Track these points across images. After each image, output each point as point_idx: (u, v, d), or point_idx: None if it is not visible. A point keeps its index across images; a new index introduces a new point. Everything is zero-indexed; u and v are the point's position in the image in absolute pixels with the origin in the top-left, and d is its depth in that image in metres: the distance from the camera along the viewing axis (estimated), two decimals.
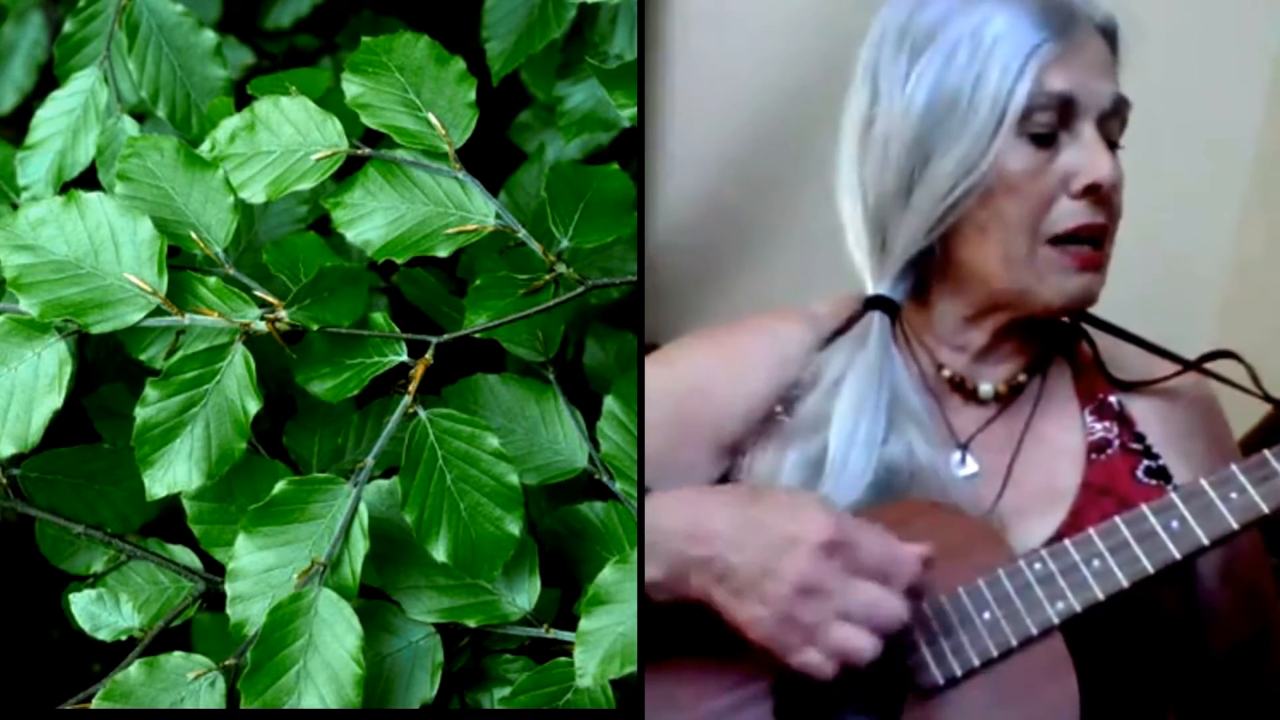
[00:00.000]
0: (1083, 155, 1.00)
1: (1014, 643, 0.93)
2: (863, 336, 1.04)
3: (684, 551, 0.93)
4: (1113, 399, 1.07)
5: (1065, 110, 1.00)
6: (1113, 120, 1.01)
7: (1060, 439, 1.05)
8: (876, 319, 1.04)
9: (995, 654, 0.94)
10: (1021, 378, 1.06)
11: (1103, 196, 1.00)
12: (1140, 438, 1.05)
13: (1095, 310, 1.07)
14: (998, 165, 1.00)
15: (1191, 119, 1.46)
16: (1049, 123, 1.00)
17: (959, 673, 0.94)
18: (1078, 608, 0.93)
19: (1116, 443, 1.05)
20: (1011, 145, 1.00)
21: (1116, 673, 0.98)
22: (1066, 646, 0.93)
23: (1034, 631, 0.93)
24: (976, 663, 0.94)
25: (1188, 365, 1.07)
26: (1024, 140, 1.00)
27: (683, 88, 1.56)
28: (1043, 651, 0.93)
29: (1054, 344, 1.08)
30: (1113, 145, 1.02)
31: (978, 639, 0.94)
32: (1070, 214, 1.00)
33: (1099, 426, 1.06)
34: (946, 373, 1.06)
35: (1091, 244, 1.01)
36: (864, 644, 0.90)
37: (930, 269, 1.05)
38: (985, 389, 1.06)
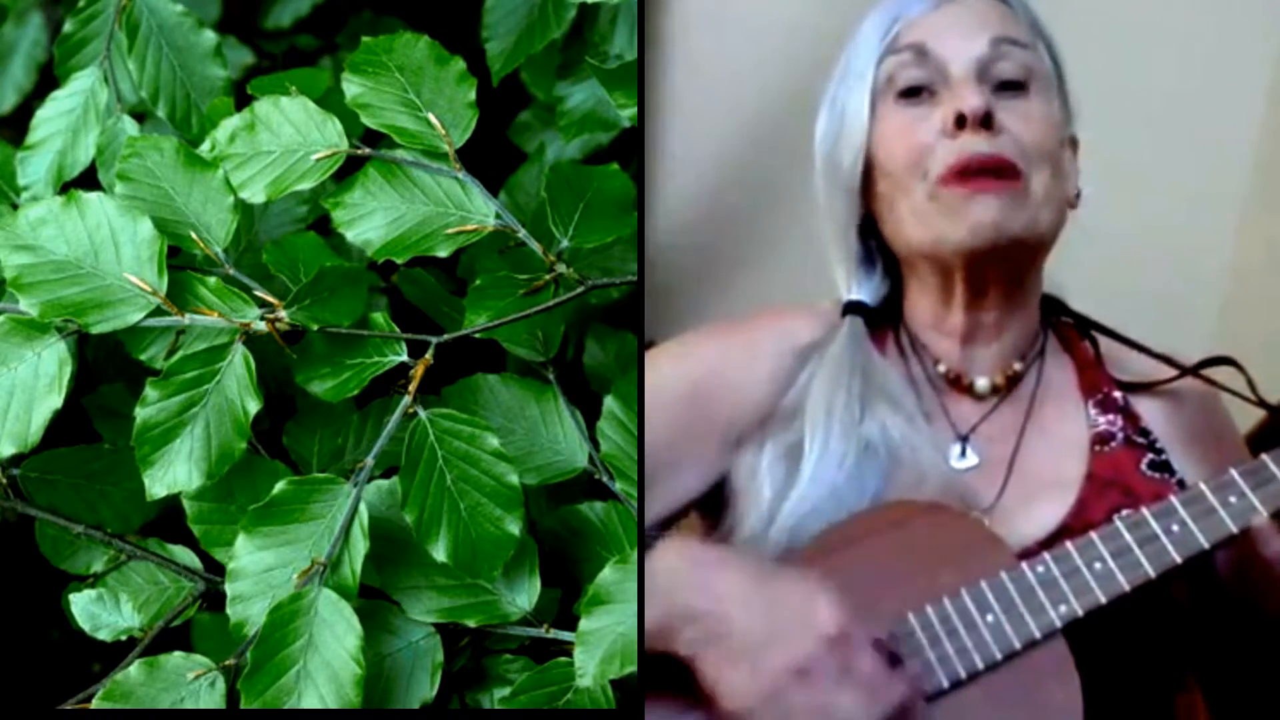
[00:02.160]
0: (952, 95, 1.02)
1: (1017, 645, 0.93)
2: (835, 336, 1.06)
3: (686, 602, 0.92)
4: (1117, 394, 1.07)
5: (928, 63, 1.03)
6: (999, 63, 1.03)
7: (1063, 430, 1.05)
8: (846, 321, 1.07)
9: (999, 656, 0.93)
10: (1017, 366, 1.07)
11: (984, 129, 1.01)
12: (1145, 432, 1.05)
13: (1096, 311, 1.07)
14: (880, 132, 1.04)
15: (1192, 120, 1.46)
16: (917, 80, 1.03)
17: (963, 675, 0.93)
18: (1080, 611, 0.93)
19: (1121, 435, 1.05)
20: (890, 112, 1.04)
21: (1120, 675, 0.98)
22: (1069, 648, 0.93)
23: (1037, 634, 0.93)
24: (980, 665, 0.93)
25: (1186, 371, 1.07)
26: (899, 102, 1.04)
27: (683, 88, 1.56)
28: (1046, 654, 0.93)
29: (1050, 334, 1.09)
30: (1010, 86, 1.03)
31: (981, 641, 0.94)
32: (951, 149, 1.02)
33: (1103, 419, 1.06)
34: (942, 368, 1.07)
35: (983, 173, 1.01)
36: None
37: (890, 265, 1.08)
38: (981, 383, 1.06)
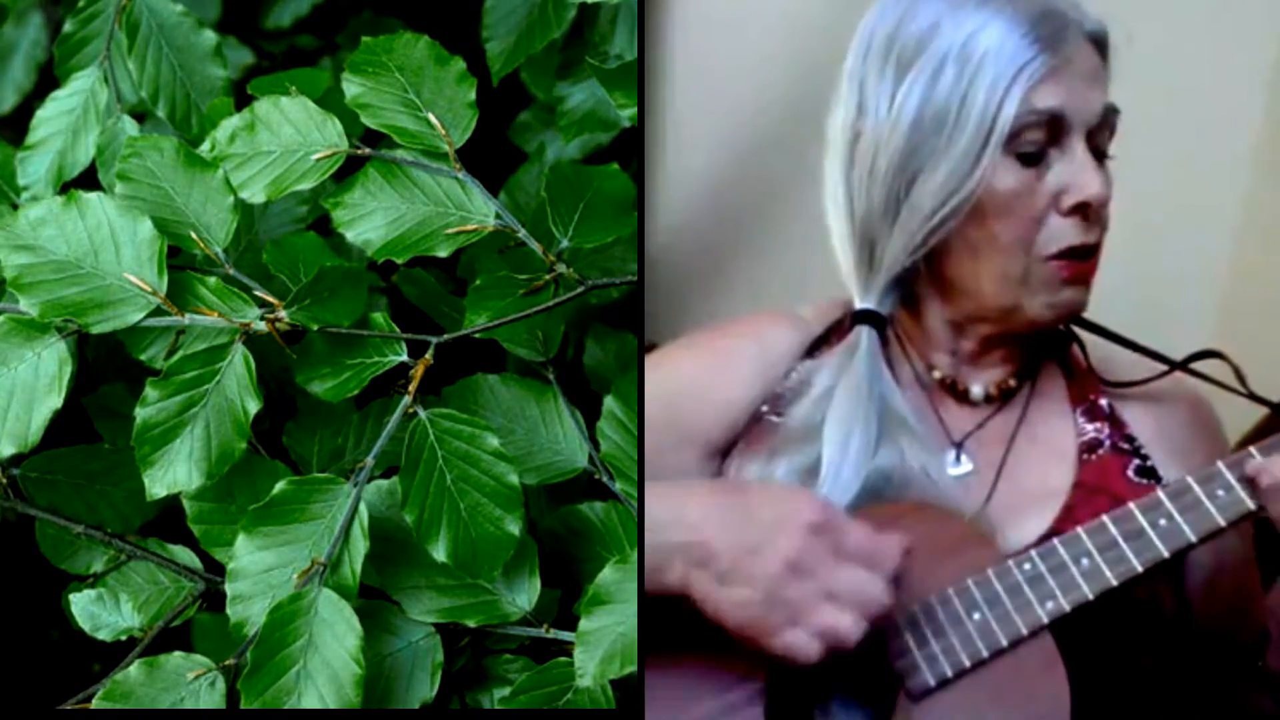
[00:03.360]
0: (1072, 172, 0.99)
1: (1004, 643, 0.94)
2: (851, 351, 1.04)
3: (667, 539, 0.93)
4: (1103, 401, 1.07)
5: (1054, 127, 0.99)
6: (1102, 131, 1.01)
7: (1053, 439, 1.05)
8: (865, 334, 1.04)
9: (986, 655, 0.94)
10: (1012, 382, 1.07)
11: (1092, 213, 1.00)
12: (1130, 439, 1.05)
13: (1093, 311, 1.07)
14: (986, 184, 0.99)
15: (1192, 120, 1.46)
16: (1038, 140, 0.99)
17: (950, 674, 0.94)
18: (1067, 607, 0.94)
19: (1108, 443, 1.05)
20: (1000, 164, 0.99)
21: (1108, 672, 0.98)
22: (1057, 646, 0.93)
23: (1024, 632, 0.94)
24: (967, 664, 0.94)
25: (1174, 365, 1.07)
26: (1013, 159, 0.99)
27: (683, 88, 1.56)
28: (1033, 651, 0.93)
29: (1045, 349, 1.08)
30: (1101, 155, 1.01)
31: (968, 640, 0.94)
32: (1061, 233, 1.00)
33: (1090, 427, 1.06)
34: (938, 374, 1.07)
35: (1081, 257, 1.01)
36: (850, 625, 0.89)
37: (919, 281, 1.05)
38: (976, 391, 1.06)
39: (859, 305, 1.05)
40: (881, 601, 0.90)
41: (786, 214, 1.53)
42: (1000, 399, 1.06)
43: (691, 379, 1.09)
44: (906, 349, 1.07)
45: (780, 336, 1.08)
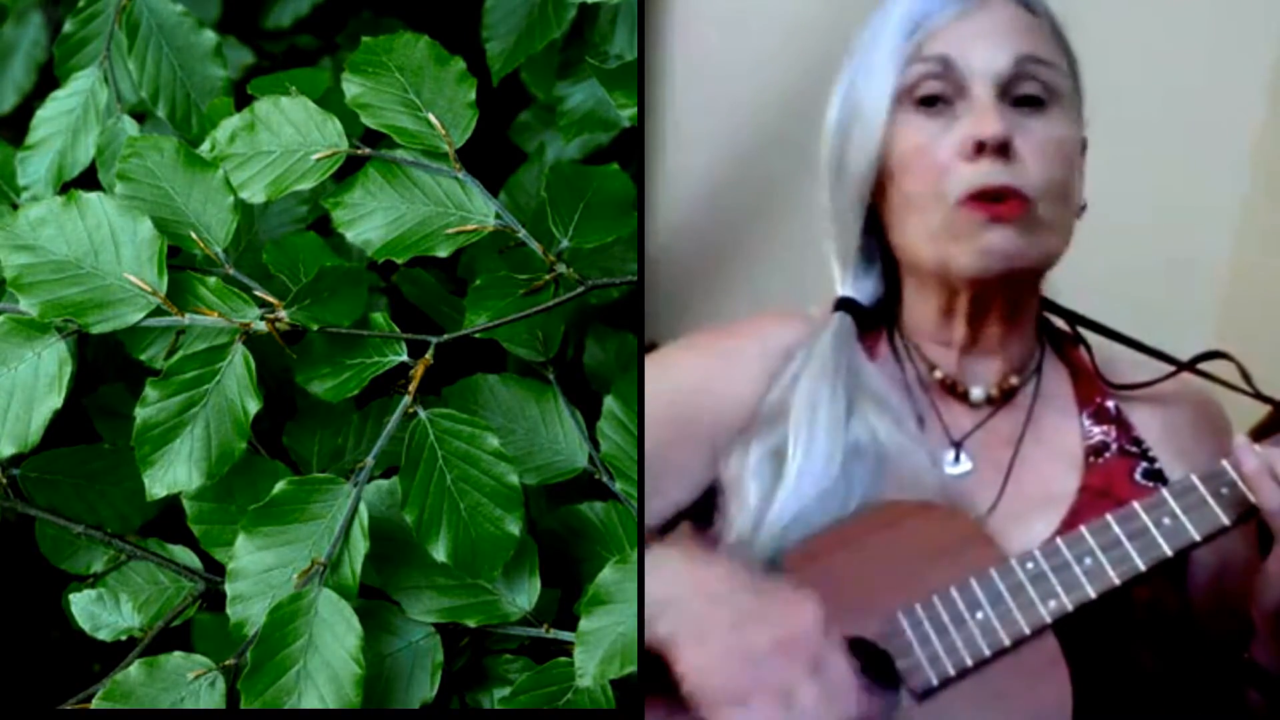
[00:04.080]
0: (972, 116, 1.00)
1: (1007, 642, 0.93)
2: (822, 335, 1.06)
3: (670, 602, 0.92)
4: (1110, 403, 1.07)
5: (951, 77, 1.01)
6: (1022, 82, 1.01)
7: (1059, 442, 1.05)
8: (838, 318, 1.06)
9: (988, 654, 0.93)
10: (1014, 380, 1.06)
11: (1001, 156, 1.00)
12: (1138, 441, 1.05)
13: (1093, 311, 1.07)
14: (896, 141, 1.02)
15: (1192, 119, 1.46)
16: (937, 91, 1.01)
17: (952, 673, 0.94)
18: (1070, 606, 0.93)
19: (1114, 446, 1.05)
20: (906, 119, 1.02)
21: (1110, 672, 0.98)
22: (1060, 646, 0.93)
23: (1027, 631, 0.93)
24: (970, 663, 0.93)
25: (1181, 366, 1.07)
26: (917, 113, 1.02)
27: (683, 88, 1.56)
28: (1036, 651, 0.93)
29: (1047, 347, 1.08)
30: (1029, 102, 1.01)
31: (970, 639, 0.94)
32: (968, 176, 1.00)
33: (1097, 430, 1.06)
34: (938, 374, 1.07)
35: (995, 199, 1.00)
36: None
37: (891, 267, 1.07)
38: (976, 393, 1.06)
39: (838, 294, 1.08)
40: None
41: (786, 213, 1.53)
42: (1001, 399, 1.06)
43: (696, 379, 1.09)
44: (910, 351, 1.07)
45: (787, 335, 1.08)
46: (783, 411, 1.03)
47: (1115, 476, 1.03)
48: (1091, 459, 1.04)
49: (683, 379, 1.09)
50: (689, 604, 0.92)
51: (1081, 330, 1.09)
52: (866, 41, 1.05)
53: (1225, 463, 0.94)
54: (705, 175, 1.59)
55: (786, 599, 0.92)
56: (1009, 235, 1.00)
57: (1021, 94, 1.01)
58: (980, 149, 1.00)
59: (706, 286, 1.57)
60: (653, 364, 1.11)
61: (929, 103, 1.02)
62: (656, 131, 1.54)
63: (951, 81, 1.01)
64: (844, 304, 1.07)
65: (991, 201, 1.00)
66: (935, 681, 0.94)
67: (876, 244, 1.07)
